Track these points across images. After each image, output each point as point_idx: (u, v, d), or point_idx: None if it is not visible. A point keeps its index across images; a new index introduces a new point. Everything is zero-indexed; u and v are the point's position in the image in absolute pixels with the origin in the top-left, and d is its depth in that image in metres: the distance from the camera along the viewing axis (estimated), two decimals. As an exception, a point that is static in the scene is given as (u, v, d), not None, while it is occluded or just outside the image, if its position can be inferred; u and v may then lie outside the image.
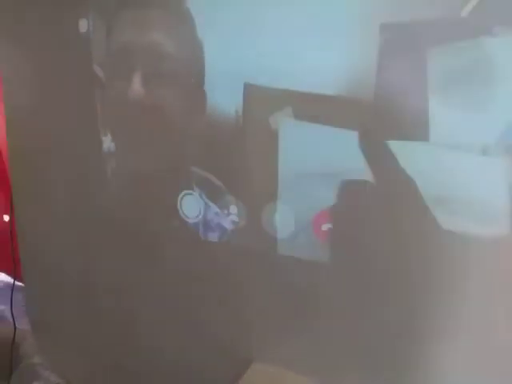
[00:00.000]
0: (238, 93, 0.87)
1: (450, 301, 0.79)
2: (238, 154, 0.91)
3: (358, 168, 0.80)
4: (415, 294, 0.82)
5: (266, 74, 0.84)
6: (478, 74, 0.69)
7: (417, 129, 0.74)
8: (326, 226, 0.87)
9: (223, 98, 0.89)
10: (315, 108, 0.81)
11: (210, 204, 0.97)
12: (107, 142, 1.06)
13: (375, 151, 0.78)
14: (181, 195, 1.00)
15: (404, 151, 0.76)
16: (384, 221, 0.81)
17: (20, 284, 1.38)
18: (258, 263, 0.95)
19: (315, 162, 0.85)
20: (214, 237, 0.99)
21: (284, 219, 0.90)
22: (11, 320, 1.37)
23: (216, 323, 1.03)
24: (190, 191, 0.99)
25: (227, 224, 0.96)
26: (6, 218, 1.36)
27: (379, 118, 0.76)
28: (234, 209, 0.95)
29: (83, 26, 1.01)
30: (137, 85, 0.96)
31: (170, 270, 1.07)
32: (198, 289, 1.04)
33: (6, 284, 1.52)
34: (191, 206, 1.00)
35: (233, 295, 1.00)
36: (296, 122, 0.83)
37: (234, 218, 0.95)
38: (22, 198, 1.27)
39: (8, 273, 1.53)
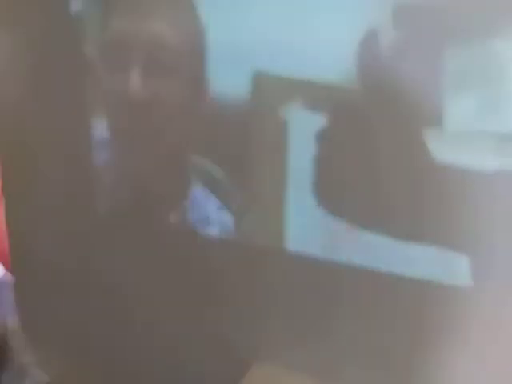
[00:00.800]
0: (245, 81, 0.84)
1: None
2: (242, 145, 0.89)
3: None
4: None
5: (275, 62, 0.81)
6: (492, 72, 0.67)
7: (431, 118, 0.72)
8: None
9: (228, 86, 0.86)
10: (327, 97, 0.79)
11: (212, 197, 0.95)
12: (100, 134, 1.03)
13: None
14: (180, 188, 0.98)
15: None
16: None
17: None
18: (261, 260, 0.94)
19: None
20: (214, 232, 0.97)
21: (293, 213, 0.88)
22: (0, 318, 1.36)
23: (216, 323, 1.02)
24: (190, 184, 0.97)
25: (229, 219, 0.95)
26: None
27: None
28: (236, 202, 0.93)
29: (75, 3, 0.96)
30: (136, 77, 0.92)
31: (168, 266, 1.04)
32: (197, 288, 1.03)
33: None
34: (191, 199, 0.98)
35: (233, 294, 0.98)
36: (307, 112, 0.81)
37: (237, 212, 0.93)
38: (12, 191, 1.23)
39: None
